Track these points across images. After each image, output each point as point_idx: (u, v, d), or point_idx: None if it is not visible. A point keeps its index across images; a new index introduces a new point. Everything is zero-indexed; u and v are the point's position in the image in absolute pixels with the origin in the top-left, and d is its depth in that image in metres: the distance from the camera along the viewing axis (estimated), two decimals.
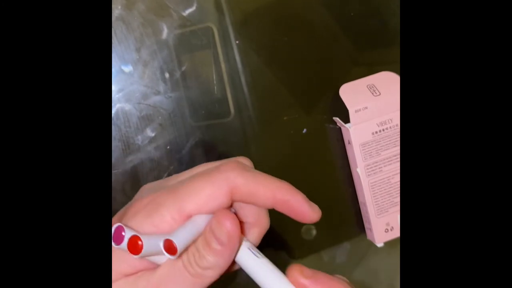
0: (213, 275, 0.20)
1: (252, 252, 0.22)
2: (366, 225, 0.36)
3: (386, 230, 0.35)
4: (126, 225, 0.20)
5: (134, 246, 0.19)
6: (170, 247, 0.19)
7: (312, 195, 0.37)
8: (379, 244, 0.35)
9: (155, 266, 0.21)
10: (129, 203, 0.24)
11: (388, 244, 0.35)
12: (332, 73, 0.36)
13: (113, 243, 0.19)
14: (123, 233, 0.19)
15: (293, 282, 0.20)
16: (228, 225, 0.20)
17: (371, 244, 0.36)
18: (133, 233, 0.19)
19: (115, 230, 0.19)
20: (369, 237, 0.36)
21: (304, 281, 0.20)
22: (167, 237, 0.19)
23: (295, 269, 0.20)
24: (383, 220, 0.35)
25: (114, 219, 0.23)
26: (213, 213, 0.21)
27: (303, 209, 0.23)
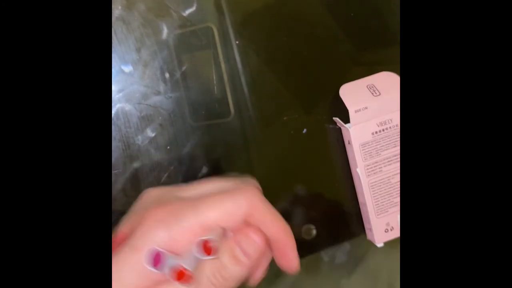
0: (234, 285, 0.22)
1: None
2: (366, 225, 0.36)
3: (386, 230, 0.35)
4: (163, 251, 0.20)
5: (181, 275, 0.19)
6: (207, 248, 0.20)
7: (312, 195, 0.37)
8: (379, 244, 0.35)
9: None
10: (136, 207, 0.23)
11: (388, 244, 0.35)
12: (332, 73, 0.36)
13: (150, 267, 0.19)
14: (162, 259, 0.19)
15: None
16: (257, 239, 0.21)
17: (371, 244, 0.36)
18: (175, 262, 0.19)
19: (153, 256, 0.19)
20: (369, 237, 0.36)
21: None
22: (202, 238, 0.19)
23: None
24: (383, 220, 0.35)
25: (124, 226, 0.22)
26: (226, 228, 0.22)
27: (291, 256, 0.24)
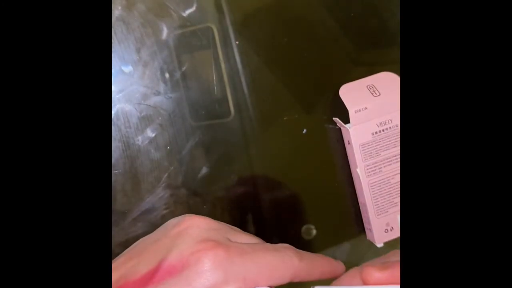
0: None
1: None
2: (366, 226, 0.36)
3: (386, 231, 0.35)
4: None
5: None
6: None
7: (312, 195, 0.37)
8: (379, 244, 0.35)
9: None
10: (181, 236, 0.22)
11: (388, 244, 0.35)
12: (332, 73, 0.36)
13: None
14: None
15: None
16: None
17: (371, 244, 0.36)
18: None
19: None
20: (369, 237, 0.36)
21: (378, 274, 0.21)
22: None
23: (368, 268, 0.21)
24: (383, 221, 0.35)
25: (172, 256, 0.21)
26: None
27: (339, 270, 0.26)
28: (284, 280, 0.22)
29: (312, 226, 0.36)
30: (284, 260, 0.22)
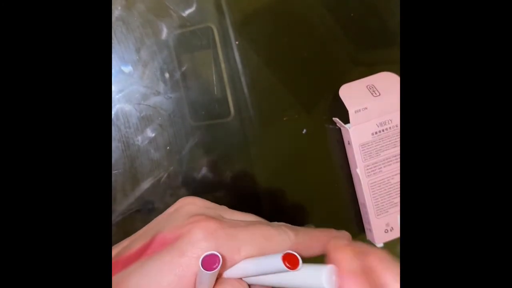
0: None
1: None
2: (366, 226, 0.36)
3: (386, 231, 0.35)
4: (220, 257, 0.19)
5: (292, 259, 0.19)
6: (292, 261, 0.19)
7: (312, 195, 0.37)
8: (379, 244, 0.35)
9: None
10: (176, 213, 0.23)
11: (388, 244, 0.35)
12: (332, 73, 0.36)
13: (203, 268, 0.18)
14: (217, 265, 0.19)
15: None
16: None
17: (371, 244, 0.36)
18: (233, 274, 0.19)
19: (211, 259, 0.18)
20: (369, 237, 0.36)
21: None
22: (286, 252, 0.19)
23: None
24: (383, 221, 0.35)
25: (167, 230, 0.21)
26: None
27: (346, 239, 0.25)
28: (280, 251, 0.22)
29: (312, 226, 0.36)
30: (280, 233, 0.22)
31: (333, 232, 0.26)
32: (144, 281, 0.20)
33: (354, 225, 0.37)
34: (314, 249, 0.23)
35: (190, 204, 0.23)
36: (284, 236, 0.22)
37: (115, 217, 0.31)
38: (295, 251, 0.21)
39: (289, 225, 0.24)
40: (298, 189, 0.36)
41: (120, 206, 0.32)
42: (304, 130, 0.35)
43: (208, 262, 0.18)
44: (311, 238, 0.24)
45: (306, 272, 0.20)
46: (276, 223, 0.24)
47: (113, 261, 0.21)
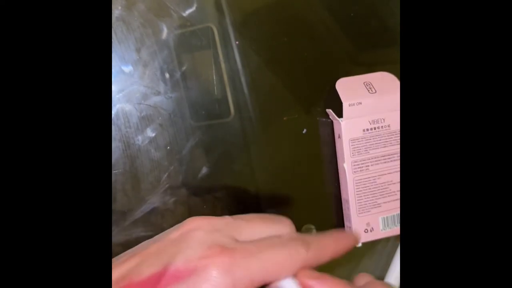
0: None
1: None
2: (346, 223, 0.35)
3: (366, 231, 0.34)
4: None
5: None
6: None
7: (312, 195, 0.37)
8: (357, 244, 0.35)
9: None
10: (186, 240, 0.22)
11: (366, 245, 0.35)
12: (332, 73, 0.36)
13: None
14: None
15: (301, 283, 0.23)
16: None
17: (371, 245, 0.36)
18: None
19: None
20: None
21: (311, 282, 0.23)
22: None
23: (302, 273, 0.23)
24: (364, 220, 0.34)
25: (178, 260, 0.21)
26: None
27: (351, 242, 0.27)
28: (293, 273, 0.23)
29: (312, 226, 0.36)
30: (291, 255, 0.23)
31: (340, 236, 0.26)
32: None
33: (335, 221, 0.36)
34: (324, 258, 0.24)
35: (198, 230, 0.23)
36: (296, 258, 0.23)
37: (115, 217, 0.31)
38: (308, 265, 0.23)
39: (300, 237, 0.24)
40: (298, 189, 0.36)
41: (120, 206, 0.32)
42: (304, 130, 0.35)
43: None
44: (322, 249, 0.24)
45: None
46: (287, 238, 0.24)
47: (124, 283, 0.21)
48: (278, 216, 0.26)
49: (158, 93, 0.31)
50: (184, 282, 0.20)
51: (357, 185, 0.34)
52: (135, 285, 0.21)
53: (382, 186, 0.34)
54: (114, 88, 0.30)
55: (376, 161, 0.34)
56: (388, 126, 0.34)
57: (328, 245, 0.25)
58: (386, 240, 0.36)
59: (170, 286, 0.20)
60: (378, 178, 0.34)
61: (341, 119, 0.33)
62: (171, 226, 0.24)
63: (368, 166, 0.34)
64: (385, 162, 0.34)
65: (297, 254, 0.23)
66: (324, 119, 0.35)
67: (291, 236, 0.24)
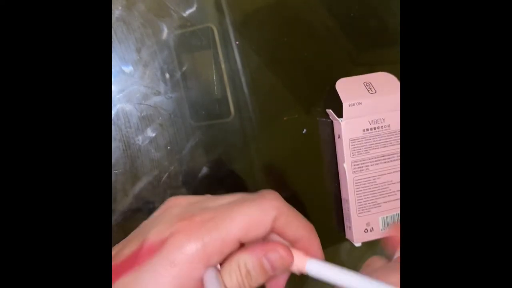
0: None
1: None
2: (346, 223, 0.35)
3: (366, 230, 0.34)
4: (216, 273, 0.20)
5: None
6: None
7: (312, 195, 0.37)
8: (357, 243, 0.35)
9: None
10: (162, 216, 0.23)
11: (366, 244, 0.35)
12: (332, 73, 0.36)
13: None
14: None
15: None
16: (285, 254, 0.22)
17: (371, 244, 0.36)
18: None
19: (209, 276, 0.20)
20: (347, 235, 0.36)
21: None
22: None
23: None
24: (364, 220, 0.34)
25: (151, 235, 0.22)
26: (255, 240, 0.22)
27: (318, 252, 0.25)
28: (266, 229, 0.22)
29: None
30: (263, 210, 0.22)
31: (313, 233, 0.25)
32: None
33: (335, 221, 0.36)
34: (295, 232, 0.24)
35: (175, 206, 0.24)
36: (268, 213, 0.22)
37: (115, 217, 0.31)
38: (276, 230, 0.23)
39: (277, 198, 0.23)
40: (298, 189, 0.36)
41: (120, 206, 0.32)
42: (304, 130, 0.35)
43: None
44: (294, 219, 0.24)
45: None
46: (260, 193, 0.24)
47: None
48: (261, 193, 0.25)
49: (158, 93, 0.31)
50: (159, 254, 0.21)
51: (357, 185, 0.34)
52: (116, 267, 0.21)
53: (382, 186, 0.34)
54: (114, 88, 0.30)
55: (376, 161, 0.34)
56: (388, 126, 0.34)
57: (302, 221, 0.24)
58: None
59: (146, 260, 0.21)
60: (378, 178, 0.34)
61: (341, 119, 0.33)
62: None
63: (368, 166, 0.34)
64: (385, 162, 0.34)
65: (270, 209, 0.22)
66: (324, 119, 0.35)
67: (267, 193, 0.24)
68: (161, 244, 0.21)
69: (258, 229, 0.22)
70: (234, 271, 0.22)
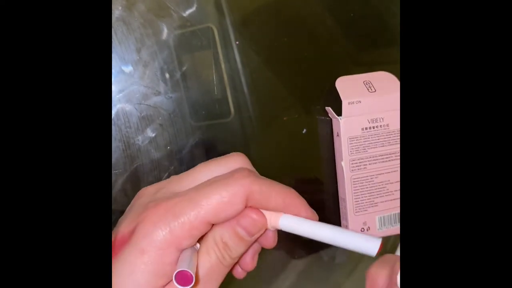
0: (236, 260, 0.23)
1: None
2: (342, 222, 0.35)
3: (362, 230, 0.34)
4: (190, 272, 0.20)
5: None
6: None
7: (312, 195, 0.37)
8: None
9: None
10: (133, 207, 0.23)
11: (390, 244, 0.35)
12: (332, 73, 0.36)
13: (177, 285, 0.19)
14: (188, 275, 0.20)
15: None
16: (256, 216, 0.22)
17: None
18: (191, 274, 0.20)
19: (181, 275, 0.20)
20: None
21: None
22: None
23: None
24: (361, 219, 0.34)
25: (123, 227, 0.22)
26: (228, 219, 0.22)
27: (308, 211, 0.25)
28: (237, 208, 0.22)
29: None
30: (234, 188, 0.22)
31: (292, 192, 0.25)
32: (121, 285, 0.21)
33: (332, 220, 0.36)
34: (276, 202, 0.23)
35: (143, 196, 0.24)
36: (234, 198, 0.22)
37: (115, 217, 0.31)
38: (252, 200, 0.22)
39: (246, 175, 0.23)
40: (298, 189, 0.36)
41: (120, 206, 0.32)
42: (304, 130, 0.35)
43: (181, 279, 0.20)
44: (270, 190, 0.23)
45: (359, 238, 0.23)
46: (230, 173, 0.23)
47: None
48: (228, 155, 0.25)
49: (158, 93, 0.31)
50: (129, 244, 0.21)
51: (354, 184, 0.34)
52: None
53: (379, 185, 0.34)
54: (114, 88, 0.30)
55: (374, 160, 0.34)
56: (387, 125, 0.34)
57: (279, 190, 0.23)
58: (386, 239, 0.36)
59: (119, 252, 0.21)
60: (376, 177, 0.34)
61: (340, 117, 0.33)
62: None
63: (366, 165, 0.34)
64: (383, 162, 0.34)
65: (239, 189, 0.22)
66: (323, 118, 0.35)
67: (236, 171, 0.23)
68: (130, 235, 0.21)
69: (227, 210, 0.22)
70: (212, 247, 0.22)
